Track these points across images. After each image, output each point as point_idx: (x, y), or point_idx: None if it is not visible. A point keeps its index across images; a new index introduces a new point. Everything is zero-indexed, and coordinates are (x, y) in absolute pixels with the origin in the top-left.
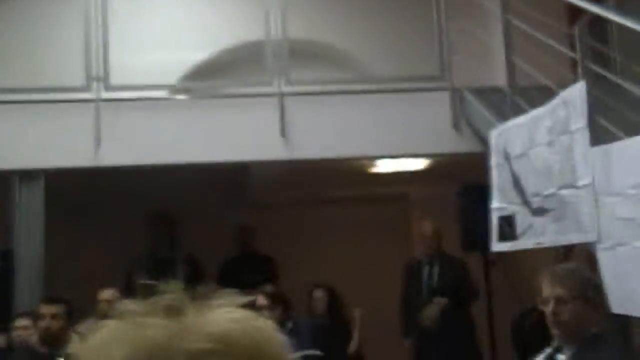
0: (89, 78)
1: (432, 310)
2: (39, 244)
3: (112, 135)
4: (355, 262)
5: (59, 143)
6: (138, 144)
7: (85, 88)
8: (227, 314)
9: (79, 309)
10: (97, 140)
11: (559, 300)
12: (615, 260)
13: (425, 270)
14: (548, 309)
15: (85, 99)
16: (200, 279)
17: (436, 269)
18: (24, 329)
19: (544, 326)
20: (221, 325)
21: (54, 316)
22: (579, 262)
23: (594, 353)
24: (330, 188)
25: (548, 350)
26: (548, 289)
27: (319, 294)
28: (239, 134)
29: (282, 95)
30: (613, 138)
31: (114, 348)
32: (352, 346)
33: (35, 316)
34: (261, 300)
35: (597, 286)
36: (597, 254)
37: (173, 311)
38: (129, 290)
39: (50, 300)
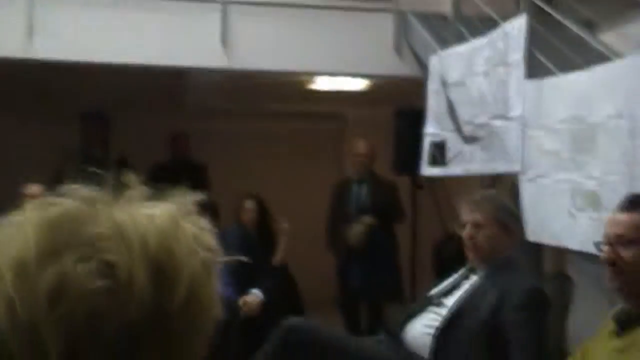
0: None
1: (358, 229)
2: None
3: (45, 28)
4: (288, 176)
5: None
6: (72, 39)
7: None
8: (146, 209)
9: (4, 203)
10: (29, 32)
11: (475, 225)
12: (536, 191)
13: (354, 189)
14: (465, 233)
15: None
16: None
17: (365, 189)
18: None
19: (463, 251)
20: (134, 217)
21: None
22: (503, 191)
23: (504, 275)
24: (268, 101)
25: (461, 271)
26: (466, 214)
27: (248, 204)
28: (178, 38)
29: (225, 2)
30: (549, 74)
31: (24, 220)
32: (277, 257)
33: None
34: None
35: (512, 213)
36: (520, 184)
37: (90, 199)
38: (56, 185)
39: None
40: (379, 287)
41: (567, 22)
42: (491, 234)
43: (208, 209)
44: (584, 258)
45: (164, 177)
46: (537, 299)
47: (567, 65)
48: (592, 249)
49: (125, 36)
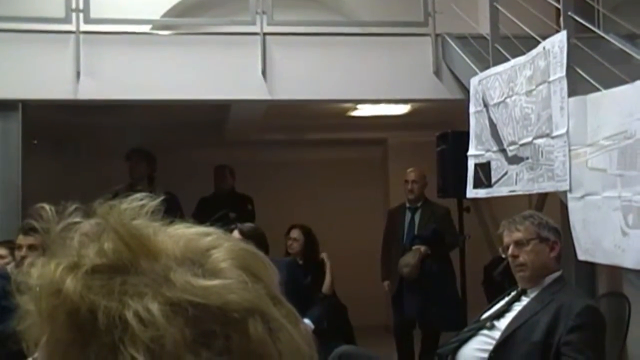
0: (69, 10)
1: (411, 257)
2: (17, 175)
3: (91, 69)
4: (332, 204)
5: (37, 74)
6: (118, 79)
7: (66, 20)
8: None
9: None
10: (76, 74)
11: (516, 244)
12: (584, 209)
13: (408, 216)
14: (508, 254)
15: (64, 31)
16: (177, 214)
17: (418, 216)
18: (2, 257)
19: (512, 273)
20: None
21: (31, 247)
22: (550, 211)
23: (556, 296)
24: (310, 130)
25: (512, 294)
26: (507, 236)
27: (295, 234)
28: (220, 73)
29: (264, 35)
30: (592, 90)
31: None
32: (325, 287)
33: (12, 246)
34: (236, 235)
35: (553, 228)
36: (568, 203)
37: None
38: None
39: (28, 230)
40: (437, 317)
41: (609, 37)
42: (533, 250)
43: (255, 238)
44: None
45: (210, 210)
46: (592, 319)
47: (610, 81)
48: None
49: (167, 73)
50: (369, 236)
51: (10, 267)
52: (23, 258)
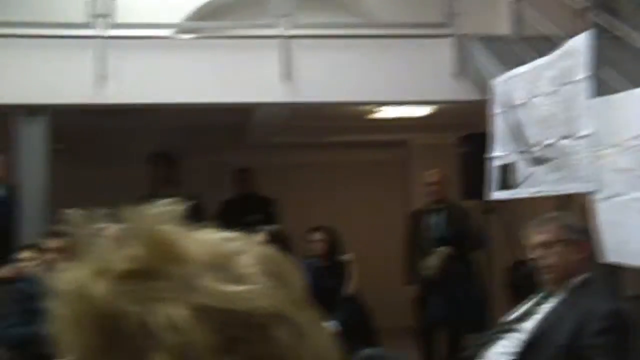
0: (93, 15)
1: (434, 259)
2: (43, 179)
3: (116, 74)
4: (355, 206)
5: (63, 79)
6: (142, 83)
7: (90, 25)
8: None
9: None
10: (101, 78)
11: (543, 245)
12: (612, 210)
13: (430, 219)
14: (534, 255)
15: (89, 36)
16: (201, 218)
17: (441, 218)
18: (28, 260)
19: (534, 275)
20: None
21: (60, 250)
22: (576, 212)
23: (582, 298)
24: (331, 132)
25: (537, 297)
26: (533, 237)
27: (318, 236)
28: (242, 76)
29: (286, 38)
30: (617, 89)
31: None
32: (349, 287)
33: (40, 249)
34: (260, 237)
35: (580, 230)
36: (595, 204)
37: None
38: None
39: (56, 234)
40: (461, 320)
41: (633, 36)
42: (560, 252)
43: (278, 241)
44: None
45: (233, 213)
46: (618, 322)
47: (635, 80)
48: None
49: (191, 76)
50: (390, 238)
51: (36, 271)
52: (51, 262)
